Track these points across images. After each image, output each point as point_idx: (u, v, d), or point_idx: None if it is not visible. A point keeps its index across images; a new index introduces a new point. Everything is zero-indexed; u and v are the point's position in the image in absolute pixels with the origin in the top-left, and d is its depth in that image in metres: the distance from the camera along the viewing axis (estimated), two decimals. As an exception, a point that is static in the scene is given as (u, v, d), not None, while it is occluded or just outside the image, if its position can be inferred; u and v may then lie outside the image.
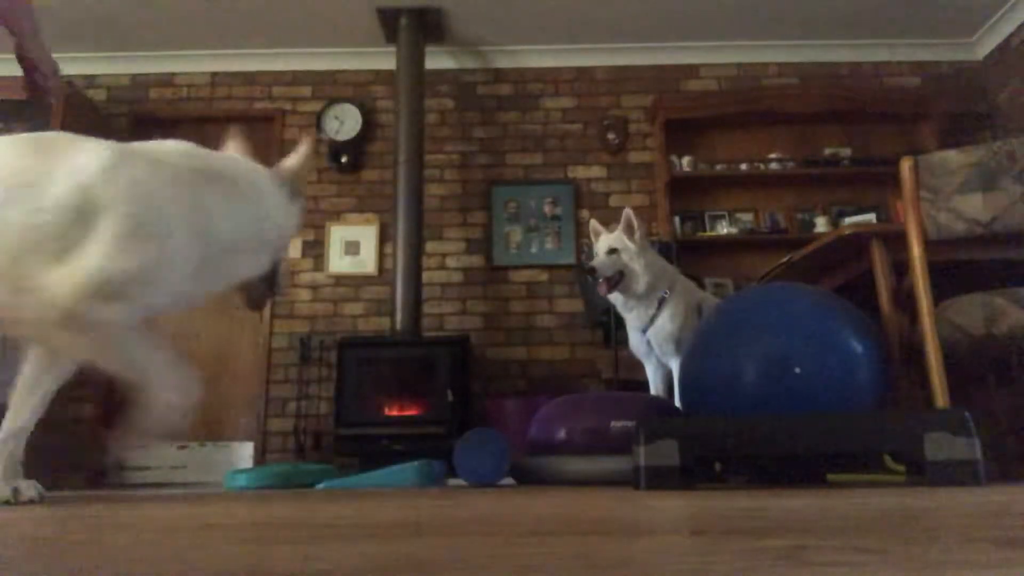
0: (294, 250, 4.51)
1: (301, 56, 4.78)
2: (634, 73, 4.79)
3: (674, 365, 2.53)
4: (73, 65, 4.72)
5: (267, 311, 4.39)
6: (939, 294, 1.92)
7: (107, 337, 1.30)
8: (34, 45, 1.88)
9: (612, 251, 2.60)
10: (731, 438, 1.61)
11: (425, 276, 4.21)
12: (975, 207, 1.89)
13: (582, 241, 4.39)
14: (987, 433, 1.54)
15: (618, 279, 2.58)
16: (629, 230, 2.60)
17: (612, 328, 3.24)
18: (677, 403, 2.37)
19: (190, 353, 4.43)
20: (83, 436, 4.19)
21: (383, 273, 4.42)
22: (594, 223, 2.78)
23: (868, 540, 0.55)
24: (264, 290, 1.66)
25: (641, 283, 2.54)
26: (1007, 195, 1.87)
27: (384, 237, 4.50)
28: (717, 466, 2.13)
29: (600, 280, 2.58)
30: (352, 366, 3.76)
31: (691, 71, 4.80)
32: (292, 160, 1.74)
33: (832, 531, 0.63)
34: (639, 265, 2.55)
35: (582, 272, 2.61)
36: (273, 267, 1.65)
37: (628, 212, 2.62)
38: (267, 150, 4.70)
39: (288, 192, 1.66)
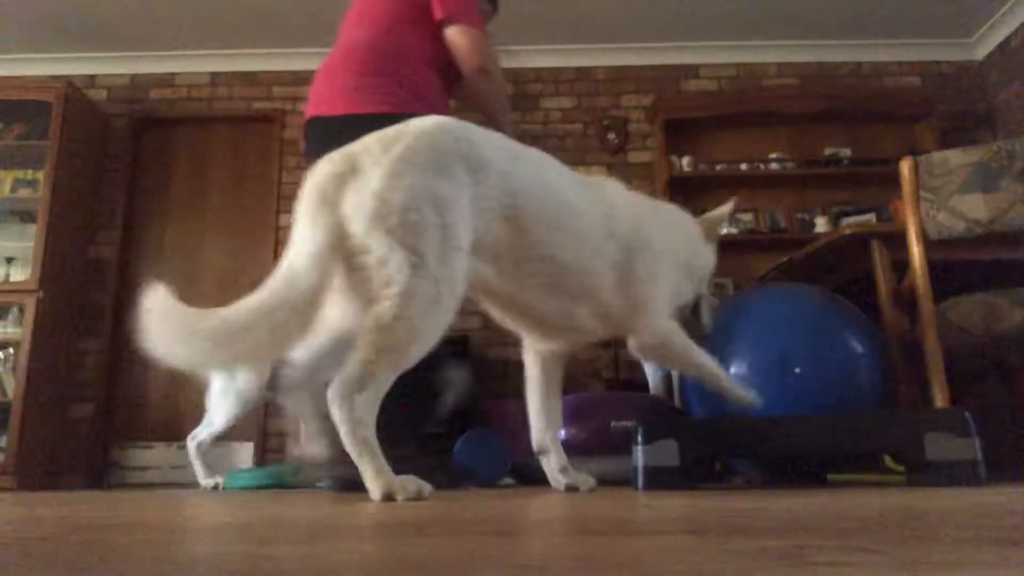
0: (294, 250, 4.51)
1: (301, 56, 4.77)
2: (634, 73, 4.79)
3: (674, 365, 2.53)
4: (73, 65, 4.73)
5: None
6: (939, 294, 1.93)
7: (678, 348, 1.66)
8: (504, 122, 2.09)
9: None
10: (731, 438, 1.61)
11: (425, 276, 4.21)
12: (975, 207, 1.89)
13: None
14: (986, 433, 1.54)
15: None
16: None
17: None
18: (677, 403, 2.38)
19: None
20: (83, 436, 4.19)
21: (383, 273, 4.42)
22: None
23: (868, 540, 0.55)
24: (694, 324, 1.87)
25: None
26: (1007, 195, 1.87)
27: (384, 237, 4.49)
28: (717, 466, 2.13)
29: None
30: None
31: (691, 71, 4.80)
32: (714, 212, 1.98)
33: (832, 531, 0.63)
34: None
35: None
36: (697, 302, 1.88)
37: None
38: (267, 150, 4.71)
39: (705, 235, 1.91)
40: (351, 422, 1.17)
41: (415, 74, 2.01)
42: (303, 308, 1.16)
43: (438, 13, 2.03)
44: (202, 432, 3.00)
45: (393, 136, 1.30)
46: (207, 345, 1.10)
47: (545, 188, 1.47)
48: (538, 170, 1.49)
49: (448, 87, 2.12)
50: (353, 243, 1.22)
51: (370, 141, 1.30)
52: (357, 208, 1.22)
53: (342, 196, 1.24)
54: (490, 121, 2.15)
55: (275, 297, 1.15)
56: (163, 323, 1.09)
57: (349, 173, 1.26)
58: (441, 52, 2.04)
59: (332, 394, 1.17)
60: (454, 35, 2.02)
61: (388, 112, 1.88)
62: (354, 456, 1.19)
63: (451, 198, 1.28)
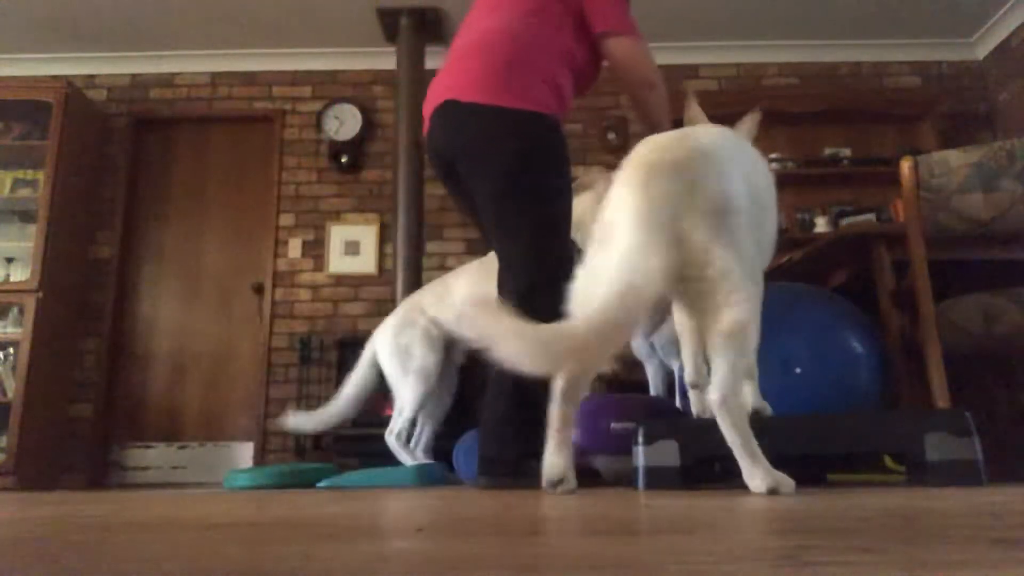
0: (294, 250, 4.51)
1: (301, 56, 4.78)
2: (634, 73, 4.78)
3: (676, 367, 2.53)
4: (73, 65, 4.73)
5: (267, 311, 4.39)
6: (939, 294, 1.92)
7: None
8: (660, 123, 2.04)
9: None
10: (731, 438, 1.60)
11: (425, 276, 4.20)
12: (975, 207, 1.89)
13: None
14: (986, 433, 1.54)
15: None
16: None
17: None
18: (677, 403, 2.38)
19: (190, 353, 4.43)
20: (83, 436, 4.19)
21: (383, 273, 4.42)
22: None
23: (868, 540, 0.55)
24: None
25: None
26: (1007, 195, 1.87)
27: (384, 237, 4.50)
28: (717, 466, 2.13)
29: None
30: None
31: (691, 71, 4.80)
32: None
33: (832, 531, 0.63)
34: None
35: None
36: None
37: None
38: (267, 150, 4.71)
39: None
40: (739, 426, 1.25)
41: (556, 72, 1.96)
42: (634, 324, 1.27)
43: (599, 26, 1.97)
44: (396, 423, 2.96)
45: (689, 152, 1.35)
46: (559, 358, 1.23)
47: (749, 183, 1.49)
48: (744, 167, 1.49)
49: (576, 89, 2.07)
50: (694, 258, 1.29)
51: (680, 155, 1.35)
52: (696, 225, 1.29)
53: (675, 215, 1.29)
54: (652, 131, 2.10)
55: (619, 314, 1.23)
56: (519, 340, 1.19)
57: (686, 192, 1.30)
58: (578, 53, 1.98)
59: (716, 403, 1.25)
60: (617, 48, 1.97)
61: (533, 110, 1.89)
62: (743, 456, 1.26)
63: (744, 203, 1.35)
